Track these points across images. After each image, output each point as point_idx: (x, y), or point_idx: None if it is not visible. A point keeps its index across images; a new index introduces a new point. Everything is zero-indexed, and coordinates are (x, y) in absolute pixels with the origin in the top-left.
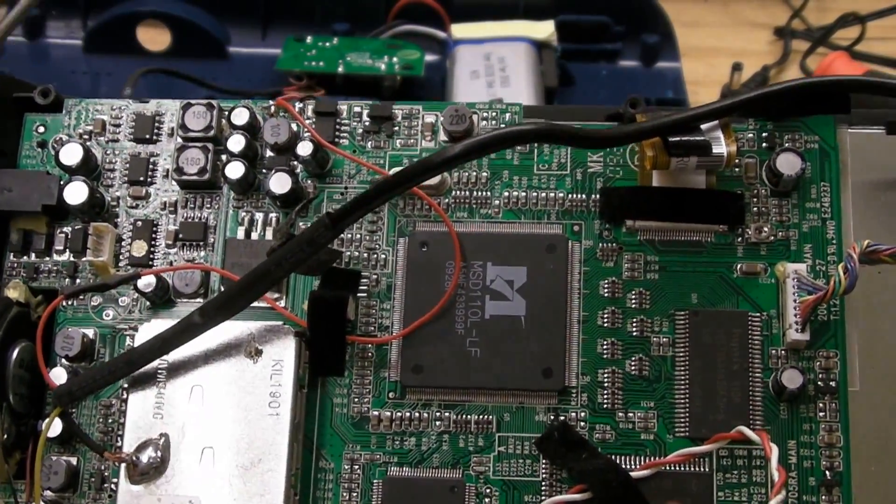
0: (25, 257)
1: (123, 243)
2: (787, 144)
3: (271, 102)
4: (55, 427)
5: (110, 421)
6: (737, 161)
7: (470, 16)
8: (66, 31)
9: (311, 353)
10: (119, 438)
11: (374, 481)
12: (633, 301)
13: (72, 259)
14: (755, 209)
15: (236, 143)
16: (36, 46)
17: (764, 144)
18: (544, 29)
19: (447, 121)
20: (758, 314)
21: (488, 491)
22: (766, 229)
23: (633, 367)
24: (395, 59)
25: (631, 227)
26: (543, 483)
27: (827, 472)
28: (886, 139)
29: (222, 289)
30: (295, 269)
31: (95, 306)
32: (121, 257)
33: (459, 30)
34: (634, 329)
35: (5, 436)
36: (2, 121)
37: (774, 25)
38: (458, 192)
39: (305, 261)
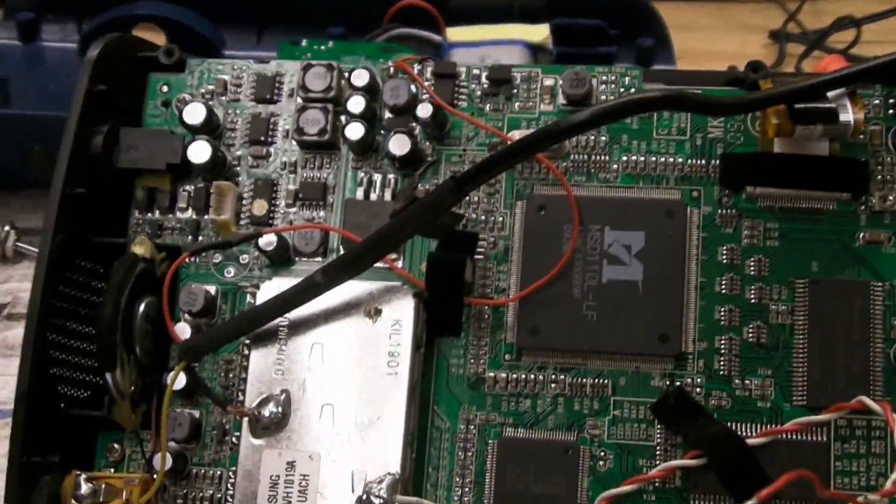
0: (150, 214)
1: (244, 202)
2: None
3: (391, 63)
4: (180, 381)
5: (231, 376)
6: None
7: (465, 19)
8: (62, 35)
9: (429, 313)
10: (240, 393)
11: (489, 442)
12: (752, 268)
13: (194, 217)
14: (879, 177)
15: (356, 104)
16: (31, 49)
17: (890, 111)
18: (539, 32)
19: (566, 84)
20: (880, 284)
21: (602, 454)
22: (890, 198)
23: (750, 335)
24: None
25: (751, 194)
26: (658, 448)
27: None
28: None
29: (341, 248)
30: (417, 232)
31: (217, 264)
32: (242, 216)
33: (454, 33)
34: (753, 296)
35: (132, 387)
36: (127, 80)
37: (769, 29)
38: (576, 156)
39: (428, 224)
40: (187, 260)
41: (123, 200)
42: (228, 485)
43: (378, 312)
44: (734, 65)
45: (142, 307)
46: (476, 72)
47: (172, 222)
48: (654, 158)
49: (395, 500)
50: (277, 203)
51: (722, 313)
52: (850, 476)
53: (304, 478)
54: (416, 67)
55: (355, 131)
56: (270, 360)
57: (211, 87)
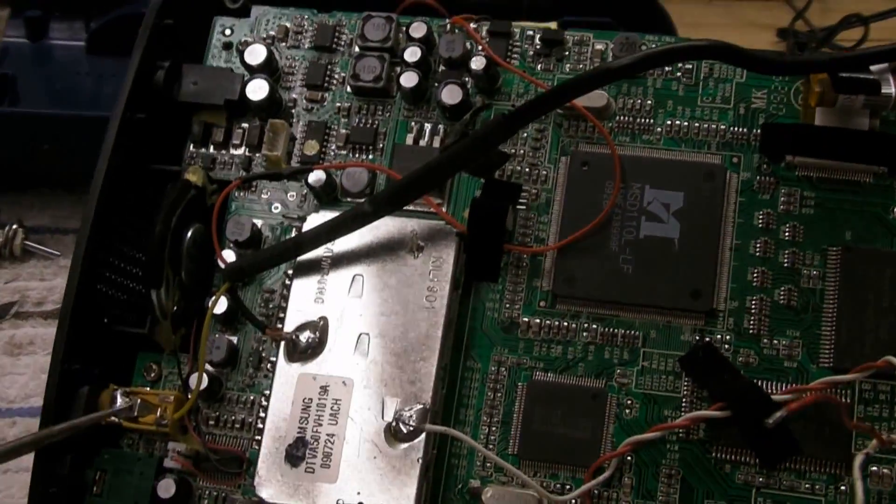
0: (204, 149)
1: (296, 142)
2: None
3: (447, 21)
4: (221, 304)
5: (271, 306)
6: None
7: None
8: (69, 33)
9: (468, 258)
10: (279, 322)
11: (519, 384)
12: (787, 233)
13: (247, 154)
14: None
15: (412, 53)
16: (39, 47)
17: None
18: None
19: (616, 48)
20: None
21: (629, 402)
22: None
23: (781, 297)
24: None
25: (790, 163)
26: (684, 400)
27: None
28: None
29: None
30: (466, 167)
31: (266, 198)
32: (293, 155)
33: None
34: (786, 260)
35: (175, 308)
36: (193, 23)
37: (777, 27)
38: (621, 118)
39: (477, 158)
40: (236, 192)
41: (180, 134)
42: (260, 410)
43: (420, 249)
44: None
45: (190, 232)
46: (530, 33)
47: (226, 157)
48: (697, 124)
49: (424, 429)
50: (329, 145)
51: (754, 274)
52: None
53: (336, 402)
54: (472, 25)
55: (410, 79)
56: (311, 289)
57: (272, 33)
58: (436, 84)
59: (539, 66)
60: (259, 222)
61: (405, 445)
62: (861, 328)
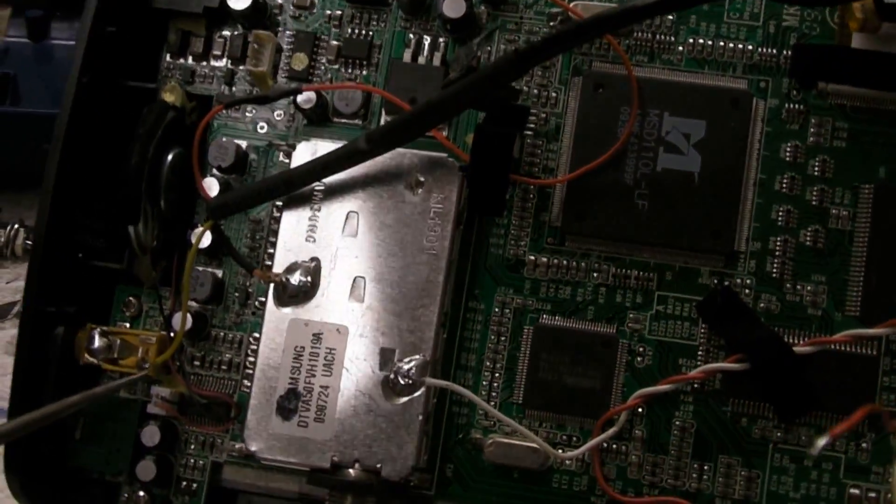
0: (182, 60)
1: (283, 55)
2: None
3: None
4: (205, 239)
5: (258, 237)
6: None
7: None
8: (71, 33)
9: (471, 189)
10: (268, 257)
11: (525, 327)
12: (816, 168)
13: (230, 66)
14: None
15: None
16: (40, 47)
17: None
18: None
19: None
20: None
21: (642, 349)
22: None
23: (807, 238)
24: None
25: (822, 90)
26: (700, 348)
27: None
28: None
29: (384, 112)
30: (472, 105)
31: (251, 117)
32: (280, 69)
33: None
34: (814, 198)
35: (154, 242)
36: None
37: None
38: (639, 34)
39: (484, 97)
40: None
41: (155, 45)
42: (249, 350)
43: (420, 184)
44: None
45: (169, 158)
46: None
47: (206, 70)
48: (722, 44)
49: (425, 382)
50: (319, 59)
51: (779, 213)
52: None
53: (329, 351)
54: None
55: None
56: (302, 226)
57: None
58: None
59: None
60: (244, 144)
61: (404, 400)
62: (892, 275)
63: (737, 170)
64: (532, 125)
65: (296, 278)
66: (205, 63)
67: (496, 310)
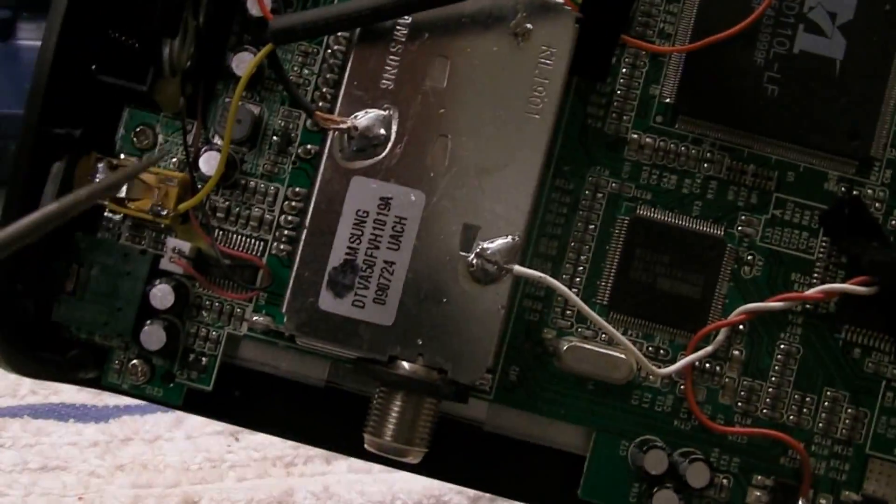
0: None
1: None
2: None
3: None
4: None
5: (305, 72)
6: None
7: None
8: (38, 33)
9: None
10: (319, 97)
11: (618, 217)
12: None
13: None
14: None
15: None
16: (6, 48)
17: None
18: None
19: None
20: None
21: (750, 258)
22: None
23: None
24: None
25: None
26: (818, 264)
27: None
28: None
29: None
30: None
31: None
32: None
33: None
34: None
35: (188, 63)
36: None
37: None
38: None
39: None
40: None
41: None
42: (284, 206)
43: (527, 33)
44: None
45: None
46: None
47: None
48: None
49: (513, 270)
50: None
51: None
52: None
53: (399, 221)
54: None
55: None
56: (378, 65)
57: None
58: None
59: None
60: None
61: (484, 288)
62: None
63: (885, 62)
64: None
65: (367, 127)
66: None
67: (587, 192)
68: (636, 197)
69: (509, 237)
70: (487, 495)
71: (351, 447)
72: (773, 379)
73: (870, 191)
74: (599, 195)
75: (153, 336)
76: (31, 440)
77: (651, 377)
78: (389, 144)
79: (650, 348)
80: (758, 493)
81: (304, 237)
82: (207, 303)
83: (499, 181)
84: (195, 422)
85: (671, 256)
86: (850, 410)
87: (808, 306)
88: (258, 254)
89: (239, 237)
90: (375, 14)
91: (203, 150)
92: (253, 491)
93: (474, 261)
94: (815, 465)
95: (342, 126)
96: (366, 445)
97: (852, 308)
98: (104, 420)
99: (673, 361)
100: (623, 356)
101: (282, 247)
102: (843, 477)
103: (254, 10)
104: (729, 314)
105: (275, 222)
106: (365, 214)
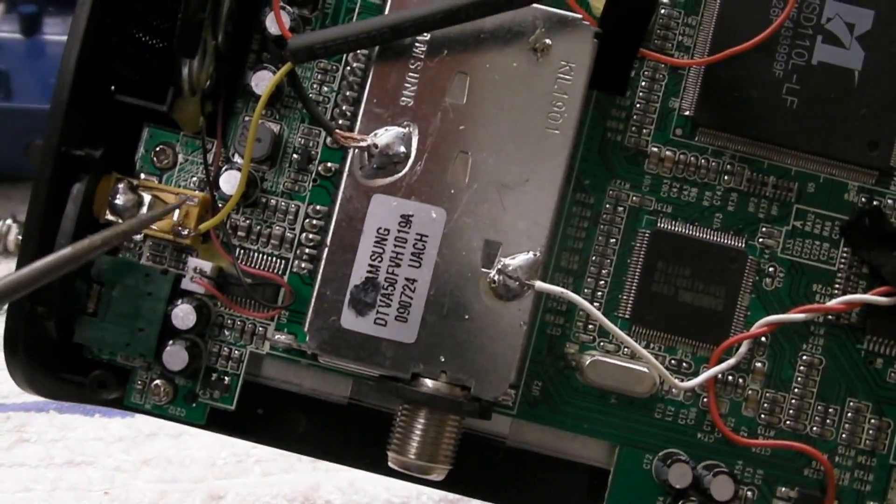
0: None
1: None
2: None
3: None
4: (262, 84)
5: (325, 90)
6: None
7: None
8: (63, 28)
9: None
10: (339, 115)
11: (640, 230)
12: None
13: None
14: None
15: None
16: (32, 43)
17: None
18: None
19: None
20: None
21: (772, 270)
22: None
23: None
24: None
25: None
26: (839, 274)
27: None
28: None
29: None
30: None
31: None
32: None
33: None
34: None
35: (208, 82)
36: None
37: None
38: None
39: None
40: None
41: None
42: (304, 224)
43: (546, 49)
44: None
45: None
46: None
47: None
48: None
49: (534, 286)
50: None
51: None
52: None
53: (420, 238)
54: None
55: None
56: (398, 83)
57: None
58: None
59: None
60: None
61: (507, 305)
62: None
63: None
64: None
65: (387, 145)
66: None
67: (608, 206)
68: (657, 210)
69: (531, 253)
70: None
71: (374, 464)
72: (796, 390)
73: (890, 200)
74: (620, 209)
75: (176, 356)
76: (56, 435)
77: (674, 390)
78: (410, 161)
79: (672, 361)
80: None
81: (325, 255)
82: (229, 322)
83: (519, 196)
84: None
85: (692, 269)
86: (873, 421)
87: (829, 317)
88: (280, 272)
89: (260, 256)
90: (394, 32)
91: (223, 168)
92: (279, 486)
93: (496, 277)
94: (839, 475)
95: (362, 144)
96: (390, 463)
97: (874, 318)
98: (129, 415)
99: (695, 374)
100: (646, 370)
101: (303, 265)
102: (867, 487)
103: (273, 28)
104: (751, 326)
105: (296, 240)
106: (386, 232)
